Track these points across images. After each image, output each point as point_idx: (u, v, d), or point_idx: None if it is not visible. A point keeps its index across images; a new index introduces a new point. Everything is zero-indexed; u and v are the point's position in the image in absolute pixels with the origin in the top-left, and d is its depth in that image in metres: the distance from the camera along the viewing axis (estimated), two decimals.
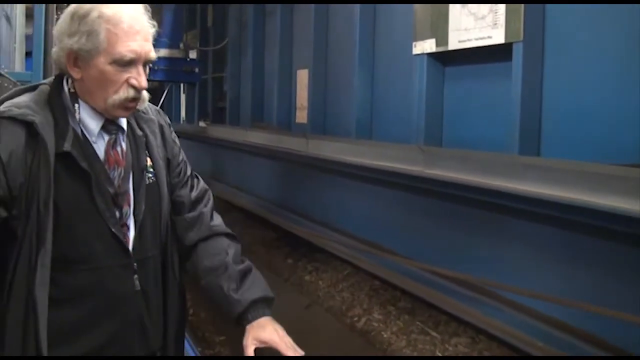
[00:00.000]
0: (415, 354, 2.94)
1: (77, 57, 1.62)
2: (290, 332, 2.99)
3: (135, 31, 1.60)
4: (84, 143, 1.63)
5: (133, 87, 1.61)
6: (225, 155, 6.36)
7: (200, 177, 1.94)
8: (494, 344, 2.74)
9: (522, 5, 2.57)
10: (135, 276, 1.70)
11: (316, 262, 4.30)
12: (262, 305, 1.79)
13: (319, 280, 4.04)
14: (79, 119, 1.63)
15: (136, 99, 1.65)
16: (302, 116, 4.87)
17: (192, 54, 6.83)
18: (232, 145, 5.84)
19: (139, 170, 1.73)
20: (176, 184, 1.84)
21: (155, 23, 1.68)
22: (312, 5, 4.55)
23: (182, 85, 8.02)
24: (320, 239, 4.16)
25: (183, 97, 8.34)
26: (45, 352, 1.59)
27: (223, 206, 6.13)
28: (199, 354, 3.93)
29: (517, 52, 2.62)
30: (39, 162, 1.58)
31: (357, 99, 3.94)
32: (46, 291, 1.59)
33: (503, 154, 2.68)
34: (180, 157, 1.87)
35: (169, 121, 1.89)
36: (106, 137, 1.67)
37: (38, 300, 1.58)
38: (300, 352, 1.76)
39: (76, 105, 1.64)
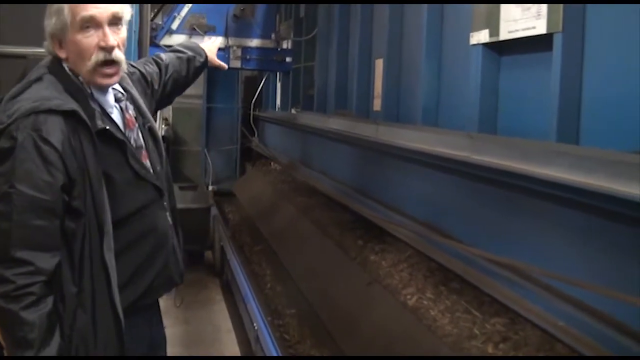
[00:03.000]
0: (456, 331, 3.08)
1: (56, 39, 1.83)
2: (350, 306, 3.30)
3: None
4: (109, 118, 1.89)
5: (102, 48, 1.78)
6: (312, 141, 6.62)
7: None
8: (528, 325, 2.84)
9: None
10: (168, 213, 2.04)
11: (383, 244, 4.48)
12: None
13: (382, 260, 4.22)
14: (95, 96, 1.87)
15: (108, 62, 1.80)
16: (377, 104, 5.04)
17: (285, 44, 7.11)
18: (317, 131, 6.10)
19: (142, 125, 2.04)
20: (166, 79, 2.43)
21: None
22: None
23: (277, 73, 8.35)
24: (386, 222, 4.33)
25: (278, 85, 8.69)
26: (119, 308, 1.83)
27: (307, 191, 6.42)
28: (267, 324, 4.22)
29: (557, 42, 2.69)
30: (83, 144, 1.77)
31: (424, 87, 4.08)
32: (112, 254, 1.83)
33: (539, 142, 2.76)
34: (144, 70, 2.30)
35: (132, 67, 2.28)
36: (117, 105, 1.94)
37: (109, 264, 1.81)
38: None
39: (87, 86, 1.87)
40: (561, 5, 2.64)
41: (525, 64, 3.14)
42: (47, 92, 1.79)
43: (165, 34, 6.43)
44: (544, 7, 2.75)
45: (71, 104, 1.78)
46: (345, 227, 5.15)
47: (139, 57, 4.33)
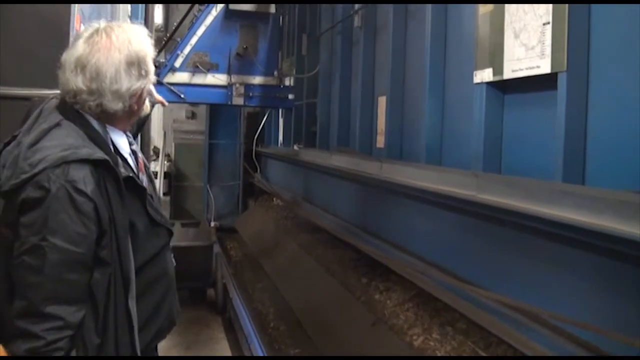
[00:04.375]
0: None
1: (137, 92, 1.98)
2: (355, 347, 3.20)
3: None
4: (128, 165, 1.91)
5: None
6: (314, 177, 6.61)
7: None
8: None
9: (566, 35, 2.64)
10: (172, 254, 2.07)
11: (388, 282, 4.43)
12: None
13: (387, 300, 4.18)
14: (112, 142, 1.88)
15: None
16: (381, 141, 5.04)
17: (287, 81, 7.15)
18: (320, 168, 6.09)
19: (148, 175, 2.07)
20: None
21: None
22: (391, 33, 4.74)
23: (280, 110, 8.39)
24: (391, 260, 4.29)
25: (281, 121, 8.72)
26: (138, 352, 1.83)
27: (310, 227, 6.39)
28: None
29: (562, 81, 2.69)
30: (110, 193, 1.74)
31: (427, 125, 4.08)
32: (134, 302, 1.81)
33: (545, 181, 2.74)
34: None
35: None
36: (129, 150, 1.95)
37: (132, 314, 1.79)
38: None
39: (107, 132, 1.88)
40: (565, 45, 2.65)
41: (530, 103, 3.14)
42: (72, 140, 1.76)
43: (168, 71, 6.47)
44: (548, 47, 2.76)
45: (100, 153, 1.75)
46: (349, 264, 5.10)
47: None
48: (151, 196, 1.97)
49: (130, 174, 1.83)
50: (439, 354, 3.27)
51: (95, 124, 1.85)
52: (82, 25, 2.87)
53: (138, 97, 1.89)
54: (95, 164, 1.71)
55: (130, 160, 1.95)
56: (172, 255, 2.10)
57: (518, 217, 2.75)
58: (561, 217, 2.45)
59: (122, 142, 1.93)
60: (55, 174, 1.67)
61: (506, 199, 2.84)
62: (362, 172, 4.69)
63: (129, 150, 1.96)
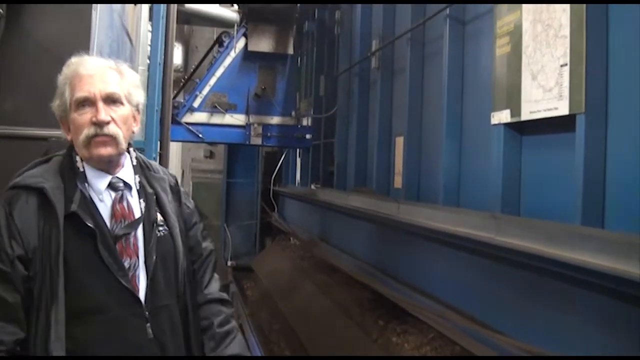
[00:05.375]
0: None
1: (63, 121, 1.84)
2: None
3: (89, 75, 1.80)
4: (90, 202, 1.79)
5: (94, 123, 1.76)
6: (332, 217, 6.58)
7: (207, 239, 2.11)
8: None
9: (584, 77, 2.62)
10: (148, 324, 1.80)
11: (405, 325, 4.36)
12: None
13: (404, 343, 4.10)
14: (86, 179, 1.81)
15: (98, 135, 1.77)
16: (398, 181, 5.02)
17: (305, 121, 7.19)
18: (337, 208, 6.07)
19: (149, 224, 1.86)
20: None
21: (122, 70, 1.87)
22: (408, 73, 4.76)
23: (297, 149, 8.42)
24: (408, 303, 4.23)
25: (298, 160, 8.74)
26: None
27: (327, 268, 6.34)
28: None
29: (580, 123, 2.66)
30: (50, 225, 1.72)
31: (445, 166, 4.05)
32: (62, 346, 1.69)
33: (564, 224, 2.69)
34: (193, 221, 2.06)
35: (180, 186, 2.08)
36: (113, 194, 1.83)
37: (54, 355, 1.67)
38: None
39: (81, 166, 1.82)
40: (583, 87, 2.62)
41: (548, 144, 3.11)
42: (37, 171, 1.81)
43: (186, 111, 6.54)
44: (565, 89, 2.74)
45: (44, 183, 1.76)
46: (366, 306, 5.04)
47: (161, 135, 4.38)
48: (136, 251, 1.83)
49: (77, 210, 1.75)
50: None
51: (78, 160, 1.84)
52: None
53: (64, 124, 1.87)
54: (32, 191, 1.75)
55: (106, 201, 1.83)
56: (153, 328, 1.82)
57: (537, 260, 2.70)
58: (581, 261, 2.40)
59: (98, 181, 1.84)
60: (4, 197, 1.77)
61: (525, 241, 2.79)
62: (380, 212, 4.66)
63: (102, 189, 1.83)
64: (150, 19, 5.58)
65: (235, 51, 6.70)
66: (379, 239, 5.17)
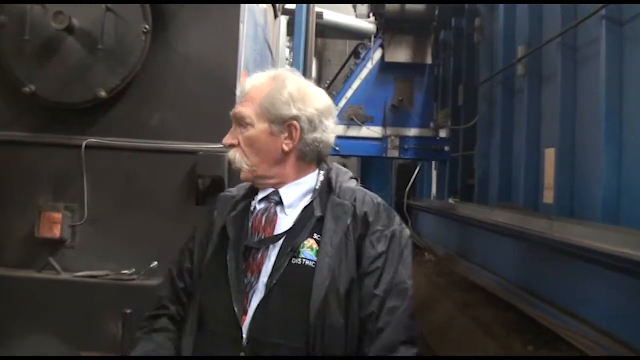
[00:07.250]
0: None
1: None
2: None
3: (241, 96, 1.76)
4: (245, 213, 1.73)
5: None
6: (472, 233, 6.31)
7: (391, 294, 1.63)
8: None
9: None
10: (242, 354, 1.56)
11: (558, 352, 4.04)
12: None
13: None
14: (257, 191, 1.77)
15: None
16: (549, 196, 4.70)
17: (443, 133, 6.98)
18: (479, 224, 5.80)
19: (287, 246, 1.63)
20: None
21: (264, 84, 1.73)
22: (560, 80, 4.45)
23: (432, 162, 8.20)
24: (561, 327, 3.91)
25: (434, 174, 8.51)
26: None
27: (466, 285, 6.08)
28: None
29: None
30: (215, 226, 1.76)
31: (603, 180, 3.72)
32: (189, 344, 1.66)
33: None
34: (374, 267, 1.63)
35: (379, 222, 1.68)
36: (263, 206, 1.71)
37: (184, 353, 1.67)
38: None
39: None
40: None
41: None
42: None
43: None
44: None
45: (230, 193, 1.86)
46: (511, 328, 4.75)
47: None
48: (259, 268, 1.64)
49: (229, 217, 1.72)
50: None
51: None
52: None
53: None
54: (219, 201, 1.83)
55: (248, 215, 1.73)
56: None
57: None
58: None
59: (262, 193, 1.75)
60: None
61: None
62: (529, 229, 4.37)
63: (255, 202, 1.74)
64: (289, 34, 5.64)
65: (372, 63, 6.61)
66: (527, 258, 4.86)
